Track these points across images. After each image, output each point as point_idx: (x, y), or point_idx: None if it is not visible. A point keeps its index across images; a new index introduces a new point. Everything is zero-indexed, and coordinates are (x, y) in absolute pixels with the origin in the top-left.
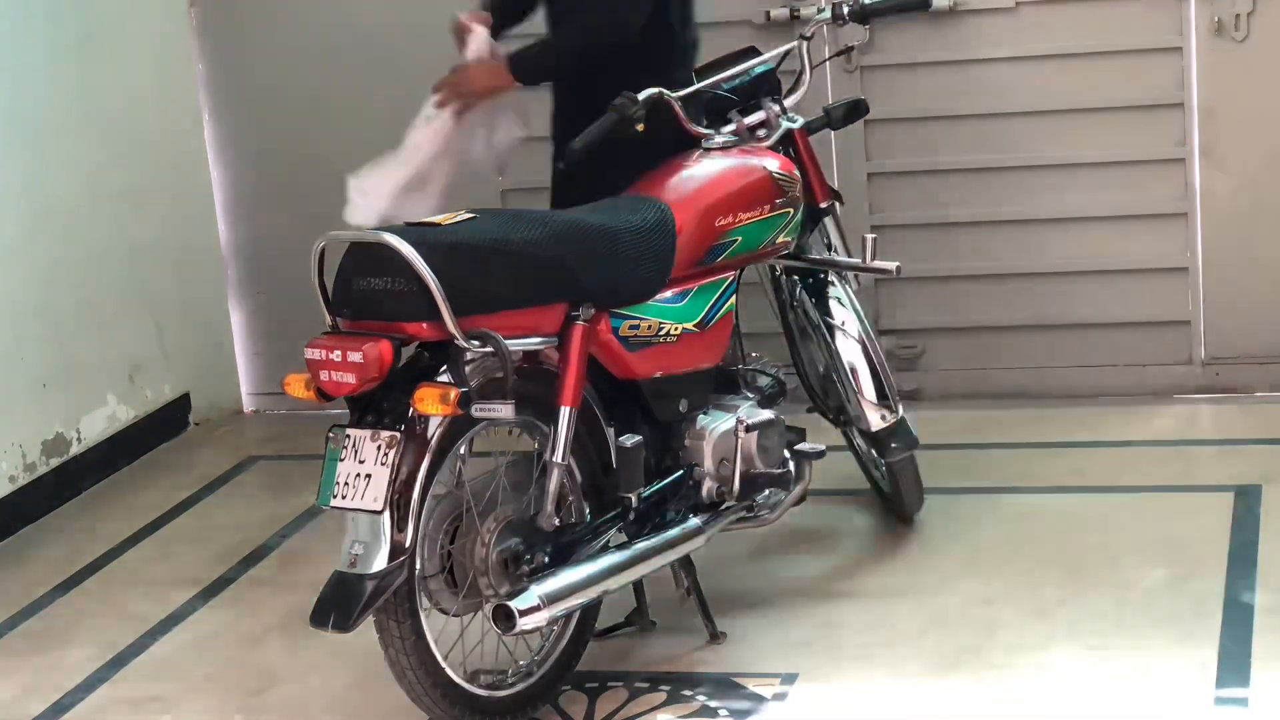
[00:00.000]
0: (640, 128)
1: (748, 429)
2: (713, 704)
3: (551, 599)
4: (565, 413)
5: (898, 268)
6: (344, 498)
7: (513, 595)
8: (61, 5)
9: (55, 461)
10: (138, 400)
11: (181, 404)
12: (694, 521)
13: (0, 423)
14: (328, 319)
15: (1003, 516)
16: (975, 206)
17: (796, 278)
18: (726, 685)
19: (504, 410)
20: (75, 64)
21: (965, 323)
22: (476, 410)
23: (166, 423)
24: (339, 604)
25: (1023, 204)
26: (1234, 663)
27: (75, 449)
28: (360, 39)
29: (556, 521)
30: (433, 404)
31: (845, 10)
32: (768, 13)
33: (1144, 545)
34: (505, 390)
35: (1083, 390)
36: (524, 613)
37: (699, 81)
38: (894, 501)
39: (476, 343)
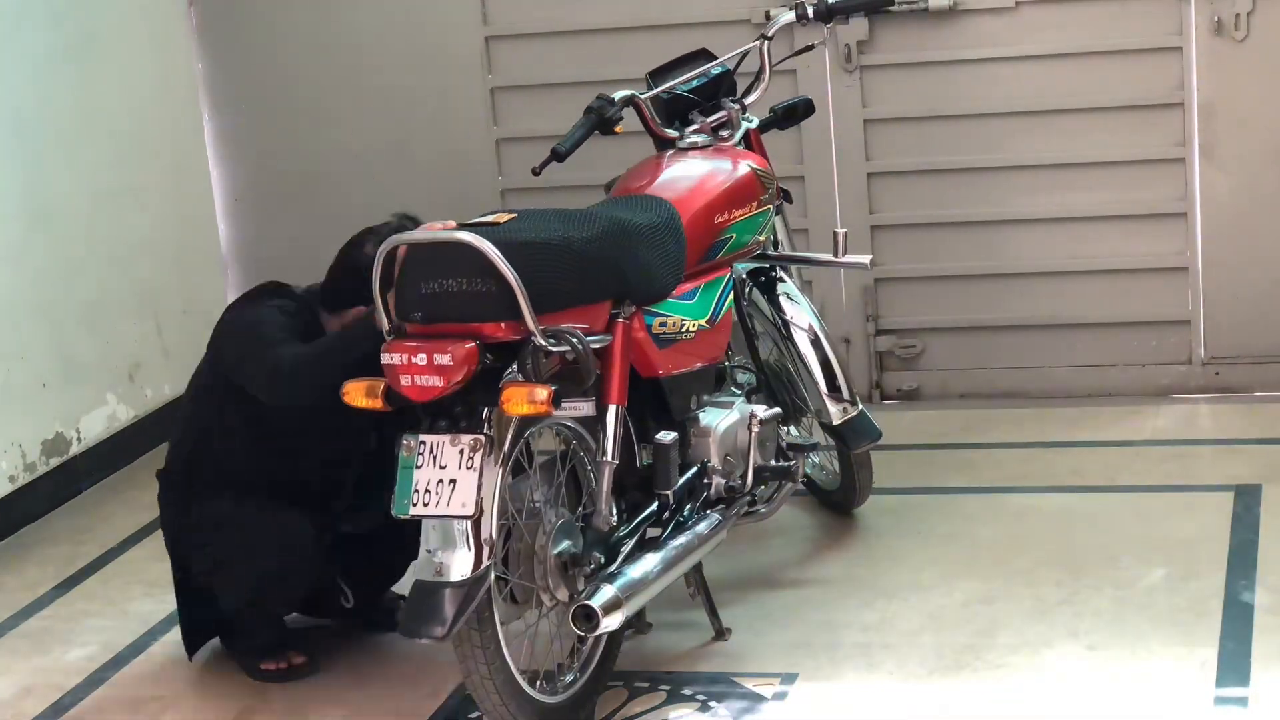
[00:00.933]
0: (618, 129)
1: (762, 423)
2: (712, 703)
3: (628, 594)
4: (614, 411)
5: (871, 261)
6: (426, 505)
7: (589, 596)
8: (61, 6)
9: (55, 461)
10: (137, 400)
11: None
12: (715, 515)
13: (0, 423)
14: (385, 323)
15: (1002, 516)
16: (975, 206)
17: (746, 276)
18: (726, 685)
19: (586, 407)
20: (75, 64)
21: (965, 322)
22: (563, 408)
23: (166, 422)
24: (431, 613)
25: (1023, 204)
26: (1234, 662)
27: (75, 449)
28: (360, 39)
29: (614, 521)
30: (521, 404)
31: (810, 11)
32: (767, 12)
33: (1144, 545)
34: (586, 387)
35: (1082, 390)
36: (606, 610)
37: (655, 83)
38: (842, 494)
39: (553, 341)
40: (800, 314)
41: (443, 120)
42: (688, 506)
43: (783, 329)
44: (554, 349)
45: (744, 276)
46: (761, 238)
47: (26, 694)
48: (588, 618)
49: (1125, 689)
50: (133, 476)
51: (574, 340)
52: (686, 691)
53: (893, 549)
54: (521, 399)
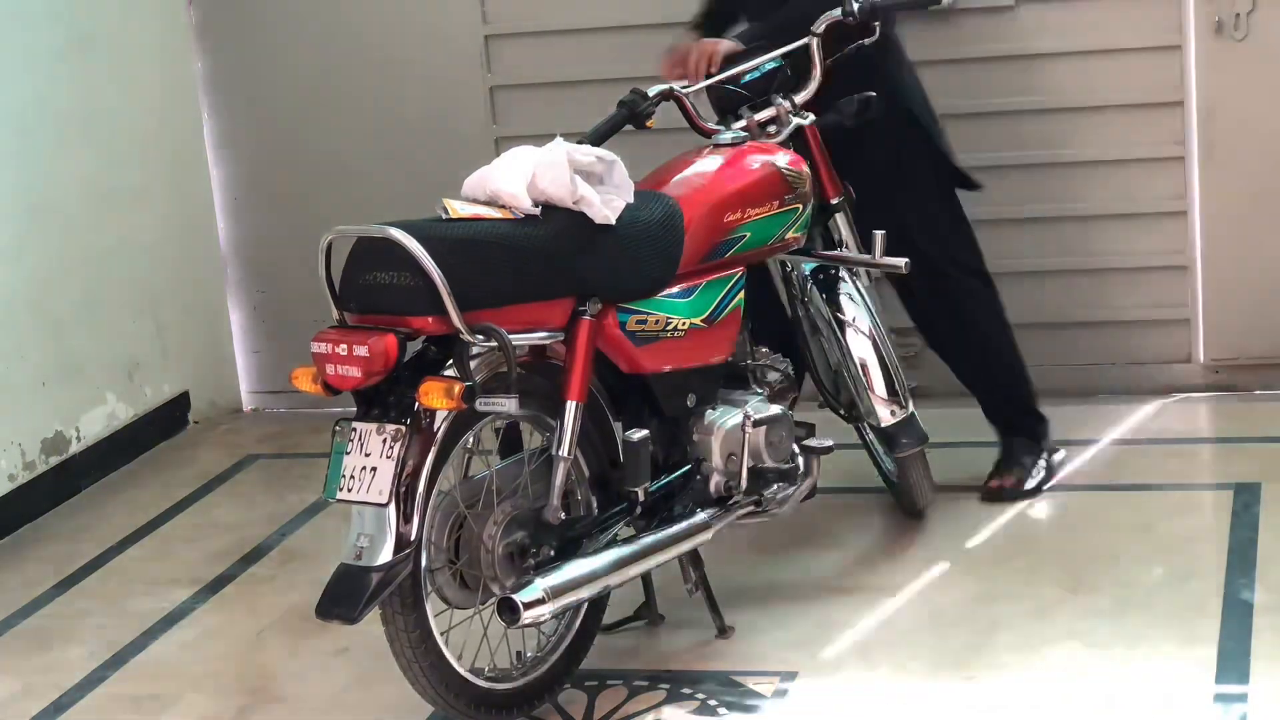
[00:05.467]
0: (650, 123)
1: (755, 424)
2: (712, 702)
3: (556, 592)
4: (571, 407)
5: (907, 263)
6: (350, 491)
7: (518, 588)
8: (61, 5)
9: (55, 460)
10: (137, 399)
11: (181, 402)
12: (701, 516)
13: (0, 421)
14: (335, 313)
15: (1003, 516)
16: (975, 206)
17: (807, 273)
18: (726, 683)
19: (508, 404)
20: (75, 64)
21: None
22: (481, 404)
23: (166, 421)
24: (345, 596)
25: (1022, 203)
26: (1233, 661)
27: (75, 447)
28: (360, 38)
29: (562, 515)
30: (437, 398)
31: (855, 7)
32: None
33: (1144, 544)
34: (509, 384)
35: (1083, 389)
36: (528, 605)
37: (719, 74)
38: (903, 496)
39: (481, 337)
40: (859, 314)
41: (442, 119)
42: (678, 504)
43: (837, 328)
44: (482, 344)
45: (806, 274)
46: (791, 236)
47: (26, 693)
48: (511, 610)
49: (1125, 688)
50: (132, 475)
51: (499, 336)
52: (686, 690)
53: (893, 547)
54: (438, 393)
